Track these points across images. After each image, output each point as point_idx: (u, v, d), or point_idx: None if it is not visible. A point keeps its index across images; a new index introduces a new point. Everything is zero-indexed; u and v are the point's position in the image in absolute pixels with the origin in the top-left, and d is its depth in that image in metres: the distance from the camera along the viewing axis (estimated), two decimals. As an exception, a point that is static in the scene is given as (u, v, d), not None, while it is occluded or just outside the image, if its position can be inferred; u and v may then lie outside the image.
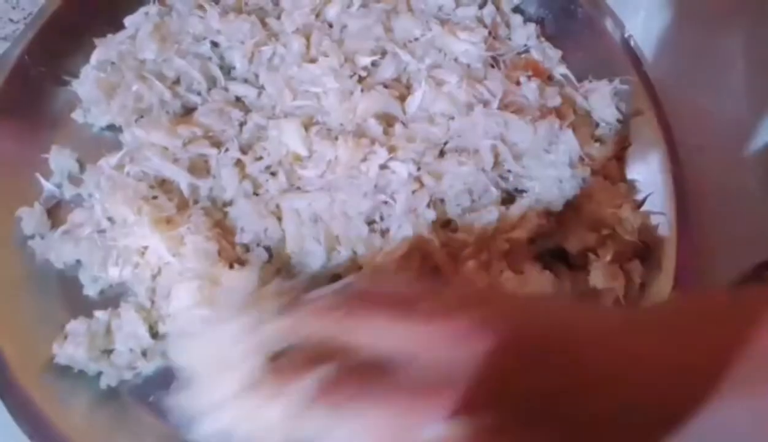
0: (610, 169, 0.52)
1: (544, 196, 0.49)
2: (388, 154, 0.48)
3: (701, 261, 0.51)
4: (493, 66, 0.55)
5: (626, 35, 0.58)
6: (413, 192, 0.47)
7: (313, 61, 0.53)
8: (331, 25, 0.57)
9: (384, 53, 0.55)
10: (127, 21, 0.56)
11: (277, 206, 0.49)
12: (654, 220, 0.50)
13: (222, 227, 0.48)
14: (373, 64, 0.54)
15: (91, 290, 0.47)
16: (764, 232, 0.53)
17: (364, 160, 0.48)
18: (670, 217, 0.50)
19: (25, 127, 0.53)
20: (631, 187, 0.52)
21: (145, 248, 0.45)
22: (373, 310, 0.29)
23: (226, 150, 0.50)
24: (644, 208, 0.50)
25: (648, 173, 0.52)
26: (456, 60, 0.54)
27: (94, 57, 0.55)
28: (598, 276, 0.47)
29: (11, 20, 0.61)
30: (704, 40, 0.62)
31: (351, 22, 0.56)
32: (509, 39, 0.58)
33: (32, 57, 0.54)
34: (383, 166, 0.48)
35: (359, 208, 0.46)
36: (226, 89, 0.54)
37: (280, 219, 0.48)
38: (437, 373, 0.26)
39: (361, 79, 0.53)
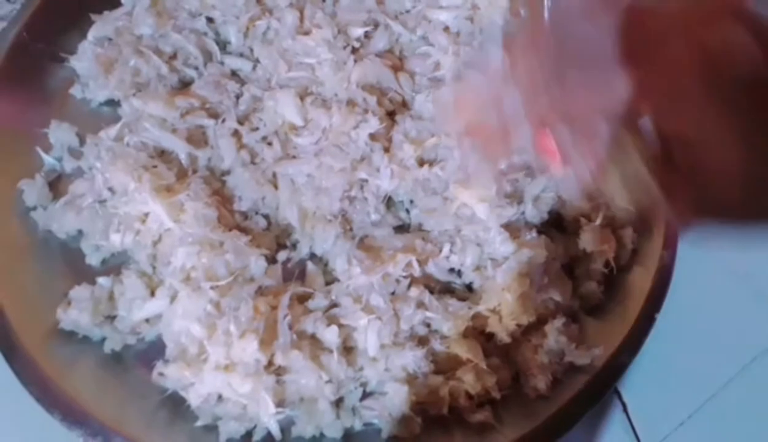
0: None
1: None
2: (380, 123, 0.50)
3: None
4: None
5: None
6: None
7: (306, 33, 0.54)
8: (324, -1, 0.58)
9: (376, 25, 0.56)
10: (123, -3, 0.57)
11: (274, 175, 0.50)
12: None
13: (221, 196, 0.49)
14: (366, 36, 0.55)
15: (93, 260, 0.48)
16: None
17: (356, 127, 0.49)
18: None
19: (25, 104, 0.54)
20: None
21: (146, 214, 0.46)
22: None
23: (223, 121, 0.51)
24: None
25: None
26: (446, 29, 0.55)
27: (91, 33, 0.56)
28: (587, 239, 0.48)
29: (8, 0, 0.62)
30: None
31: (343, -5, 0.57)
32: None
33: (30, 35, 0.55)
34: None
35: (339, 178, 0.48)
36: (222, 63, 0.56)
37: (277, 188, 0.50)
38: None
39: (354, 51, 0.54)
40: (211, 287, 0.43)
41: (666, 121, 0.28)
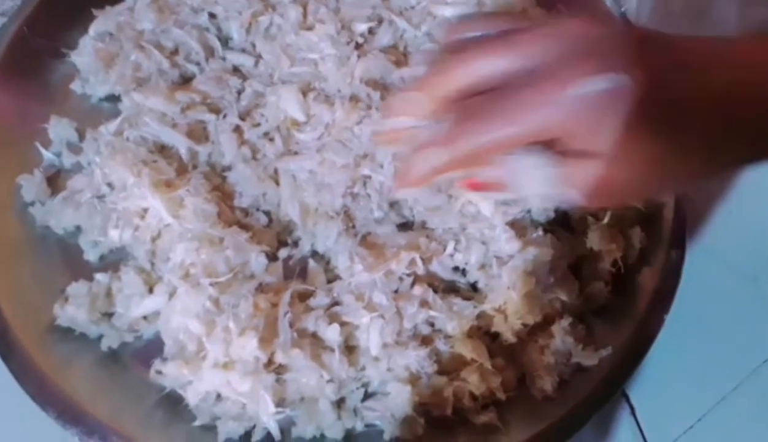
0: None
1: None
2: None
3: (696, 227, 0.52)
4: None
5: (623, 9, 0.59)
6: None
7: (310, 29, 0.54)
8: (327, -5, 0.57)
9: (380, 21, 0.55)
10: (125, -7, 0.57)
11: (276, 171, 0.49)
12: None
13: (221, 191, 0.48)
14: (370, 31, 0.55)
15: (91, 255, 0.48)
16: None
17: (359, 123, 0.48)
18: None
19: (25, 99, 0.53)
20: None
21: (145, 210, 0.46)
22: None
23: (225, 116, 0.51)
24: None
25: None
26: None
27: (93, 28, 0.55)
28: (595, 238, 0.47)
29: (9, -4, 0.61)
30: (698, 8, 0.63)
31: (347, -9, 0.56)
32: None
33: (31, 30, 0.54)
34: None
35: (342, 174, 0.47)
36: (223, 59, 0.55)
37: (278, 184, 0.49)
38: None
39: (358, 46, 0.53)
40: (211, 284, 0.43)
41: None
